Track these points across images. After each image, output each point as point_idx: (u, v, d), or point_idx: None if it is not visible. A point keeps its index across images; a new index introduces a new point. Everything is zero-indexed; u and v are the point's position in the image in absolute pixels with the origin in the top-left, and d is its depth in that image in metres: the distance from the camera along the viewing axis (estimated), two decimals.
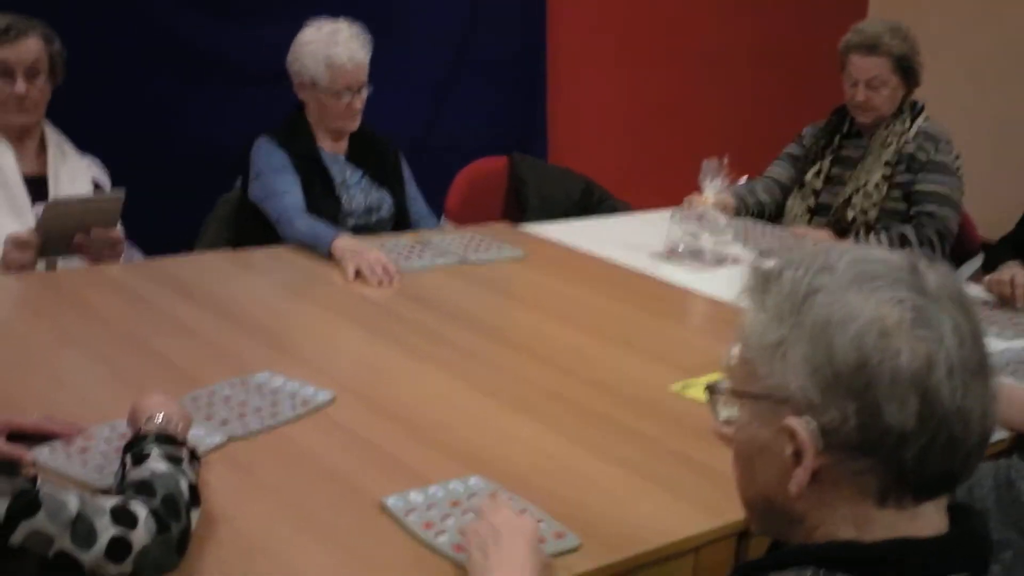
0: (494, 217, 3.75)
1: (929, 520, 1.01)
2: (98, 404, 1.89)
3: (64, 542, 1.27)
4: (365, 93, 3.17)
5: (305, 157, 3.15)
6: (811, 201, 3.51)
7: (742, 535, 1.61)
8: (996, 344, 1.74)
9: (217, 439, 1.76)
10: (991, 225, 3.72)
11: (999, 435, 1.85)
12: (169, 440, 1.53)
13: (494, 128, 4.74)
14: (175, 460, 1.49)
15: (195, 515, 1.46)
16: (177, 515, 1.40)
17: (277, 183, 3.07)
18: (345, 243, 2.83)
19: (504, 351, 2.30)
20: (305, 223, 2.96)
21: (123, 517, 1.34)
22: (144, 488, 1.41)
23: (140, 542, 1.34)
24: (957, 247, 3.41)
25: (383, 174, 3.31)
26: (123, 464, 1.50)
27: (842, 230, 3.37)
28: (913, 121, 3.41)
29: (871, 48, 3.35)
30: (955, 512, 1.04)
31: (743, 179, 3.40)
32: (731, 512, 1.58)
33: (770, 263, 1.06)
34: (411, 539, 1.52)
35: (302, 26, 3.18)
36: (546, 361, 2.25)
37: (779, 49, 5.57)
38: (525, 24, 4.85)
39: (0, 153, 2.78)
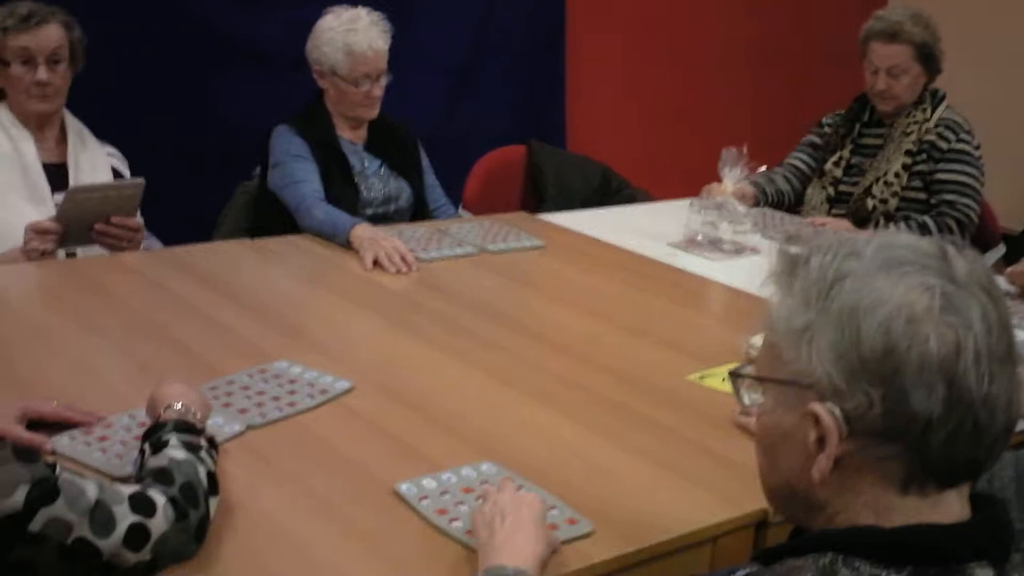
0: (512, 206, 3.75)
1: (951, 508, 1.01)
2: (117, 392, 1.89)
3: (83, 529, 1.28)
4: (384, 81, 3.17)
5: (324, 145, 3.15)
6: (831, 190, 3.49)
7: (760, 525, 1.60)
8: (1018, 335, 1.72)
9: (236, 428, 1.77)
10: (1012, 215, 3.71)
11: (1022, 425, 1.84)
12: (188, 428, 1.53)
13: (512, 117, 4.74)
14: (194, 448, 1.49)
15: (213, 503, 1.46)
16: (195, 503, 1.40)
17: (296, 171, 3.07)
18: (363, 231, 2.83)
19: (521, 340, 2.29)
20: (323, 211, 2.96)
21: (142, 505, 1.34)
22: (163, 476, 1.41)
23: (158, 530, 1.34)
24: (977, 237, 3.39)
25: (402, 163, 3.31)
26: (142, 452, 1.51)
27: (862, 219, 3.35)
28: (934, 110, 3.39)
29: (892, 36, 3.33)
30: (977, 500, 1.03)
31: (762, 168, 3.38)
32: (749, 502, 1.58)
33: (798, 248, 1.05)
34: (425, 525, 1.52)
35: (322, 13, 3.18)
36: (563, 350, 2.24)
37: (803, 36, 5.54)
38: (544, 13, 4.84)
39: (21, 141, 2.80)
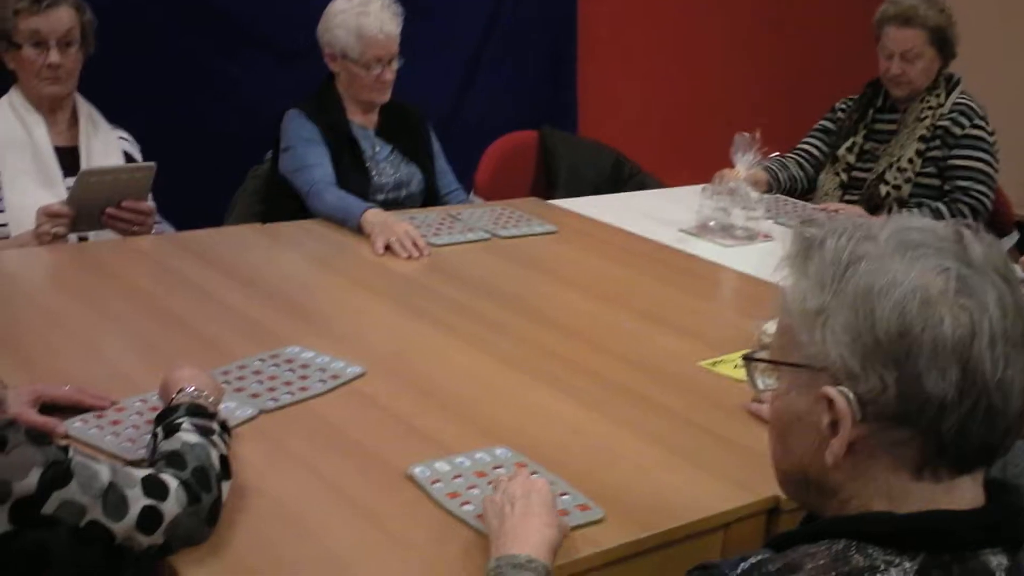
0: (523, 192, 3.74)
1: (965, 494, 1.00)
2: (129, 376, 1.90)
3: (96, 512, 1.28)
4: (396, 65, 3.16)
5: (335, 130, 3.14)
6: (844, 176, 3.48)
7: (772, 512, 1.60)
8: None
9: (248, 412, 1.77)
10: None
11: None
12: (200, 412, 1.53)
13: (524, 102, 4.73)
14: (206, 432, 1.49)
15: (226, 487, 1.46)
16: (208, 486, 1.41)
17: (307, 156, 3.07)
18: (375, 216, 2.83)
19: (533, 325, 2.29)
20: (334, 196, 2.96)
21: (154, 488, 1.35)
22: (175, 459, 1.42)
23: (171, 513, 1.34)
24: (991, 224, 3.37)
25: (413, 149, 3.30)
26: (154, 436, 1.51)
27: (875, 206, 3.34)
28: (948, 94, 3.37)
29: (907, 20, 3.31)
30: (991, 487, 1.03)
31: (775, 154, 3.37)
32: (761, 488, 1.58)
33: (813, 231, 1.05)
34: (436, 508, 1.52)
35: None
36: (575, 336, 2.24)
37: (815, 22, 5.51)
38: None
39: (32, 124, 2.80)
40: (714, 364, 2.08)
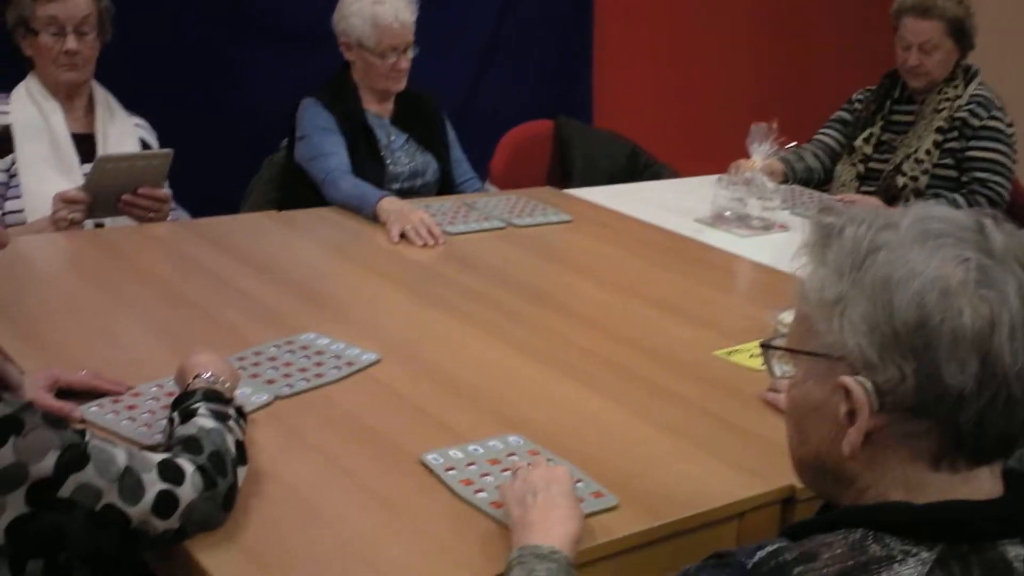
0: (538, 181, 3.74)
1: (983, 484, 1.00)
2: (146, 362, 1.90)
3: (112, 496, 1.28)
4: (411, 54, 3.16)
5: (350, 118, 3.14)
6: (860, 167, 3.47)
7: (787, 501, 1.59)
8: None
9: (263, 398, 1.77)
10: None
11: None
12: (217, 397, 1.53)
13: (540, 91, 4.71)
14: (222, 417, 1.49)
15: (242, 472, 1.46)
16: (224, 471, 1.41)
17: (323, 144, 3.07)
18: (390, 204, 2.83)
19: (547, 314, 2.29)
20: (350, 184, 2.96)
21: (170, 472, 1.35)
22: (191, 444, 1.42)
23: (187, 498, 1.35)
24: (1008, 216, 3.34)
25: (428, 137, 3.30)
26: (171, 420, 1.52)
27: (891, 197, 3.32)
28: (966, 86, 3.35)
29: (924, 11, 3.29)
30: (1010, 477, 1.02)
31: (792, 144, 3.35)
32: (777, 478, 1.57)
33: (832, 219, 1.04)
34: (450, 496, 1.52)
35: None
36: (590, 324, 2.24)
37: (832, 13, 5.48)
38: None
39: (49, 111, 2.80)
40: (729, 353, 2.08)
